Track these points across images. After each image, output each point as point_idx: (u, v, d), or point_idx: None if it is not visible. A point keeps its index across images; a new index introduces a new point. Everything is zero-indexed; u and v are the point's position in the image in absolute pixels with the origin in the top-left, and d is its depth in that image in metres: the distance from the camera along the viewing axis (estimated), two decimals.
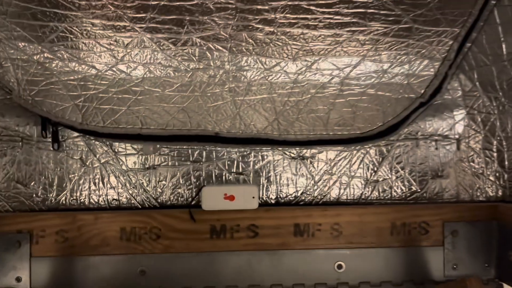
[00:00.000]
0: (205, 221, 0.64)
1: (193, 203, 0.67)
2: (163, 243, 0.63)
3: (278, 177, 0.70)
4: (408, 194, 0.70)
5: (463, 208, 0.66)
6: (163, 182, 0.68)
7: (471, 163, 0.70)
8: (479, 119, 0.70)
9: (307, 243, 0.65)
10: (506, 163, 0.67)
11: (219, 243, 0.64)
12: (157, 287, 0.63)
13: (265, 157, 0.70)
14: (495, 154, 0.69)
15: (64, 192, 0.67)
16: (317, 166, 0.70)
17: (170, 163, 0.69)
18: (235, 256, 0.64)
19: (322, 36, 0.65)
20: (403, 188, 0.70)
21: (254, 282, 0.64)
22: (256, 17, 0.63)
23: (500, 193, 0.69)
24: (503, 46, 0.63)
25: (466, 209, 0.66)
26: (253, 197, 0.64)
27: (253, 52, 0.66)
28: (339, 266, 0.65)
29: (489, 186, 0.70)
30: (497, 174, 0.69)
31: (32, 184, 0.67)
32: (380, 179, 0.70)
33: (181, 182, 0.68)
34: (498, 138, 0.68)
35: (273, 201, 0.69)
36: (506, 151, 0.67)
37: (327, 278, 0.64)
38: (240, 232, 0.64)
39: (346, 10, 0.63)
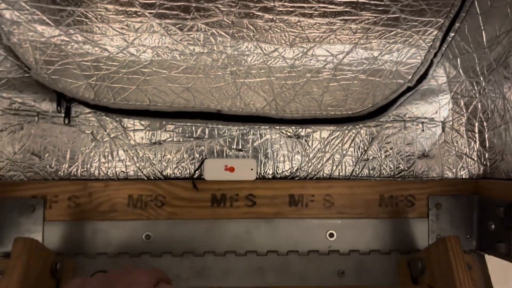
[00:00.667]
0: (207, 190, 0.69)
1: (195, 175, 0.71)
2: (167, 210, 0.68)
3: (275, 154, 0.75)
4: (396, 172, 0.75)
5: (447, 183, 0.71)
6: (168, 156, 0.73)
7: (455, 144, 0.75)
8: (462, 103, 0.75)
9: (301, 213, 0.69)
10: (487, 142, 0.72)
11: (219, 211, 0.68)
12: (160, 250, 0.67)
13: (263, 135, 0.75)
14: (477, 135, 0.74)
15: (76, 164, 0.72)
16: (312, 145, 0.75)
17: (175, 139, 0.74)
18: (234, 223, 0.68)
19: (317, 24, 0.70)
20: (391, 166, 0.75)
21: (251, 248, 0.68)
22: (257, 5, 0.69)
23: (481, 171, 0.74)
24: (483, 34, 0.69)
25: (450, 184, 0.71)
26: (252, 169, 0.69)
27: (254, 38, 0.71)
28: (331, 235, 0.69)
29: (472, 165, 0.75)
30: (479, 154, 0.74)
31: (46, 156, 0.72)
32: (370, 158, 0.75)
33: (185, 157, 0.73)
34: (480, 119, 0.73)
35: (270, 176, 0.74)
36: (486, 131, 0.72)
37: (319, 245, 0.69)
38: (239, 201, 0.69)
39: (339, 0, 0.69)
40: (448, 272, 0.56)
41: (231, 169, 0.69)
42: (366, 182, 0.71)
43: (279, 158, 0.75)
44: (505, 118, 0.67)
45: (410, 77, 0.74)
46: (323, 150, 0.75)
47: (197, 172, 0.71)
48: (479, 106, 0.73)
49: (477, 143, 0.74)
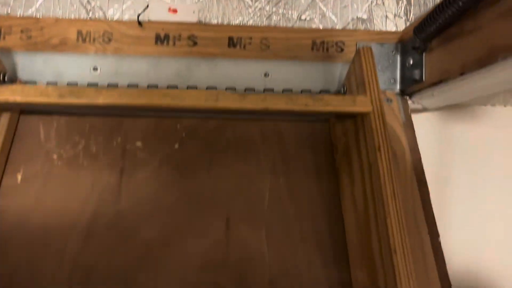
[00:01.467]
0: (151, 29, 0.74)
1: (141, 15, 0.76)
2: (114, 45, 0.73)
3: (219, 10, 0.80)
4: None
5: (375, 33, 0.77)
6: (117, 6, 0.79)
7: (385, 5, 0.82)
8: None
9: (239, 54, 0.75)
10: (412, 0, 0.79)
11: (163, 49, 0.74)
12: (107, 82, 0.72)
13: None
14: None
15: (31, 10, 0.77)
16: (253, 3, 0.81)
17: None
18: (176, 61, 0.74)
19: None
20: (327, 26, 0.81)
21: (192, 84, 0.73)
22: None
23: (408, 25, 0.80)
24: None
25: (377, 33, 0.77)
26: (194, 12, 0.75)
27: None
28: (266, 74, 0.75)
29: (399, 22, 0.81)
30: (406, 10, 0.80)
31: (2, 4, 0.77)
32: (307, 18, 0.81)
33: (134, 8, 0.79)
34: None
35: None
36: None
37: (255, 84, 0.74)
38: (181, 41, 0.74)
39: None
40: (360, 79, 0.62)
41: (174, 11, 0.74)
42: (300, 29, 0.77)
43: (223, 15, 0.80)
44: None
45: None
46: (265, 8, 0.81)
47: (143, 13, 0.76)
48: None
49: (405, 2, 0.80)
